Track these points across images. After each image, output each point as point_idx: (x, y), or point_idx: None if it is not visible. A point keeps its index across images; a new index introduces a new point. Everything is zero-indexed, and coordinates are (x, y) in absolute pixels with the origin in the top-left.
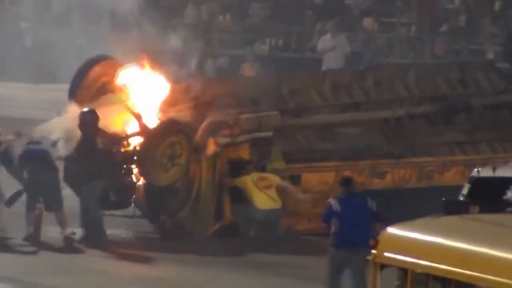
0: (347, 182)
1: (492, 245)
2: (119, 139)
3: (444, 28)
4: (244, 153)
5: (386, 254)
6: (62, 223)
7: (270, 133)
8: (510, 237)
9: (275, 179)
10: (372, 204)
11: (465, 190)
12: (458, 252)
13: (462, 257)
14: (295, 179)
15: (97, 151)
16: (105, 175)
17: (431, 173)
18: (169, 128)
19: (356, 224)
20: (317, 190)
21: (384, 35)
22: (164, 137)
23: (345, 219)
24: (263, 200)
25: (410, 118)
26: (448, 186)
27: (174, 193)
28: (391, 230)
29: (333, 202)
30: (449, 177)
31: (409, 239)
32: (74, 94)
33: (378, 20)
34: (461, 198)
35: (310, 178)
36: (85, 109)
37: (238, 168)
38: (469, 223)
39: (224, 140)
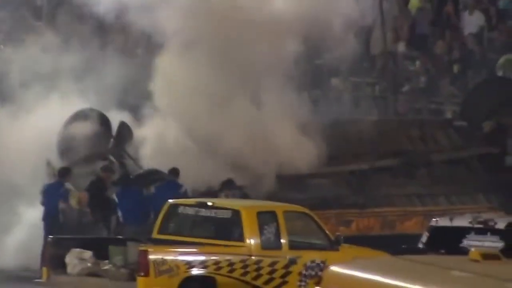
0: (171, 171)
1: (414, 281)
2: None
3: (406, 88)
4: None
5: None
6: None
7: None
8: (433, 275)
9: None
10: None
11: (424, 238)
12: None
13: None
14: None
15: None
16: None
17: (393, 222)
18: None
19: None
20: None
21: (351, 94)
22: None
23: None
24: None
25: (374, 171)
26: (408, 234)
27: None
28: (333, 268)
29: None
30: (410, 226)
31: (348, 277)
32: None
33: (346, 79)
34: (420, 246)
35: None
36: None
37: None
38: (402, 263)
39: None
